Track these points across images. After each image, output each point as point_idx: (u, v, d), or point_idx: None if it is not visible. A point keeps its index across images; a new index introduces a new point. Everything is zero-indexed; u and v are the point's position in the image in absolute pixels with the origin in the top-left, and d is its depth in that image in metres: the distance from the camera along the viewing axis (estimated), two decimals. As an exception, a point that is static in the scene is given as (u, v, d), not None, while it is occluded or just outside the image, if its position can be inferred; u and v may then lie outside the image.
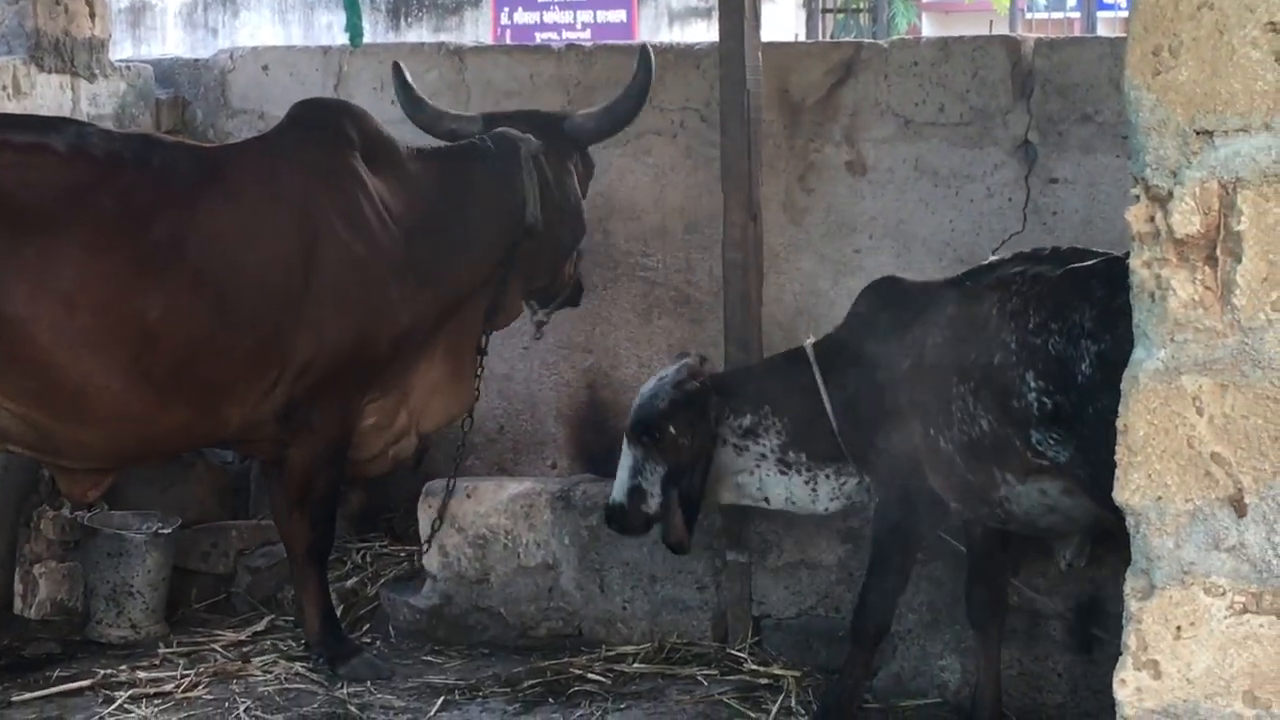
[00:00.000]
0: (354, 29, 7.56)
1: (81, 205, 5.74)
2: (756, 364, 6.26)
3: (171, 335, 5.79)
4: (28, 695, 6.18)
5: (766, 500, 5.92)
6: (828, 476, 5.79)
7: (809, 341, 5.82)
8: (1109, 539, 5.25)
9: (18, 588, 7.03)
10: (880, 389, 5.51)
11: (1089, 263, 5.04)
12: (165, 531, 6.90)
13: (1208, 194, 2.87)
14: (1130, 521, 2.94)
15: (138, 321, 5.75)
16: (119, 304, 5.73)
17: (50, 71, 7.15)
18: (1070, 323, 4.91)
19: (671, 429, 5.79)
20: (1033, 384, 5.01)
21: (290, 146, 6.22)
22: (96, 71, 7.38)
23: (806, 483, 5.83)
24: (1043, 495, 5.16)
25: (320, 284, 6.05)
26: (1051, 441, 4.99)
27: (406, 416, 6.55)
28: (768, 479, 5.86)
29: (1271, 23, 2.82)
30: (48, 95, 7.10)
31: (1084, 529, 5.36)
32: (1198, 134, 2.87)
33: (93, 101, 7.32)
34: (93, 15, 7.36)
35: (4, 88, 6.91)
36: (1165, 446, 2.90)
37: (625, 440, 5.92)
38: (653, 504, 5.86)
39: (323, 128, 6.30)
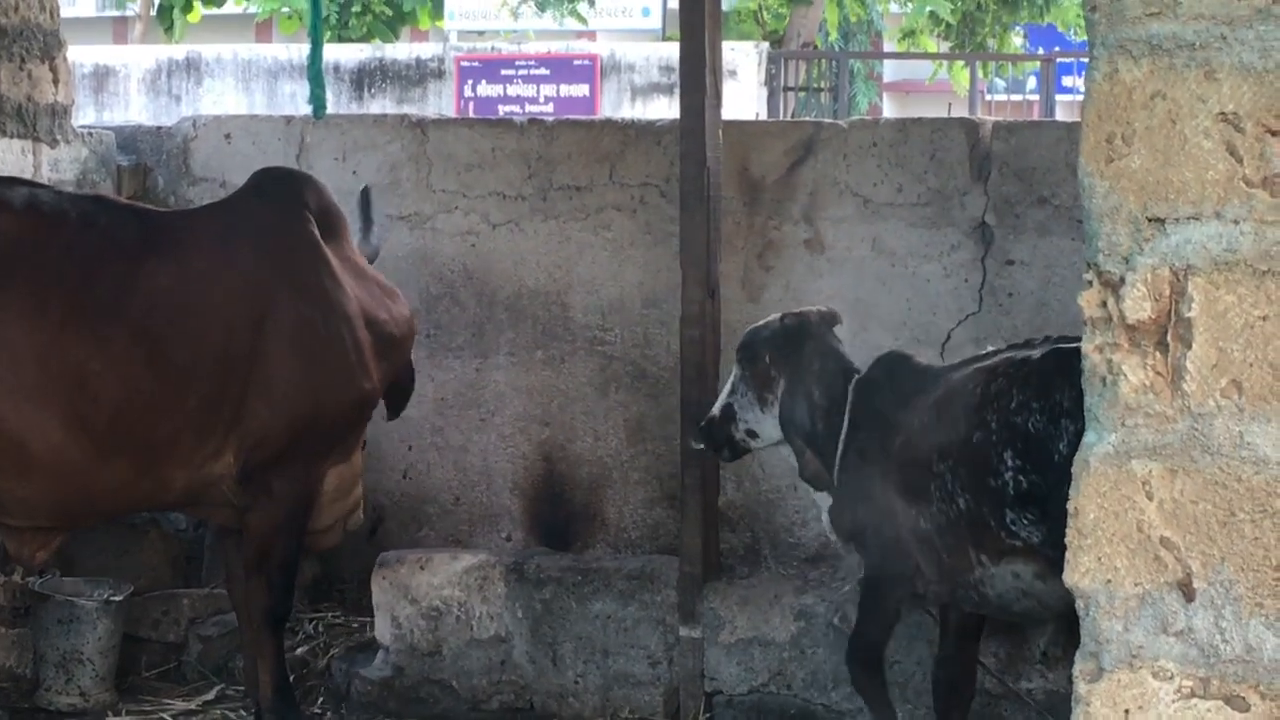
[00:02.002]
0: (317, 100, 7.58)
1: (26, 258, 5.76)
2: (840, 353, 5.98)
3: (111, 389, 5.79)
4: (-26, 762, 6.15)
5: (797, 469, 5.89)
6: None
7: (856, 377, 5.74)
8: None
9: (-33, 653, 6.99)
10: (876, 463, 5.52)
11: (1074, 344, 5.07)
12: (117, 599, 6.85)
13: (1159, 280, 2.91)
14: (1080, 604, 2.96)
15: (77, 373, 5.75)
16: (60, 355, 5.73)
17: (12, 136, 7.15)
18: (1051, 401, 4.94)
19: (767, 358, 5.79)
20: (1010, 462, 5.03)
21: (246, 212, 6.24)
22: (59, 137, 7.38)
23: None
24: (1016, 579, 5.15)
25: (272, 349, 6.04)
26: (1025, 521, 5.01)
27: (361, 487, 6.57)
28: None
29: (1223, 113, 2.87)
30: (9, 160, 7.10)
31: (1059, 615, 5.36)
32: (1150, 221, 2.91)
33: (54, 167, 7.32)
34: (56, 81, 7.36)
35: (-35, 151, 6.91)
36: (1115, 530, 2.93)
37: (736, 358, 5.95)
38: (740, 429, 5.87)
39: (282, 196, 6.32)
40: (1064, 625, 5.49)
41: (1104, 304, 2.97)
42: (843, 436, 5.65)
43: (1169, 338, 2.91)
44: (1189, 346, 2.89)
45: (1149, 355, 2.92)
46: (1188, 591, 2.89)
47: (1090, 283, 2.98)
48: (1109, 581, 2.93)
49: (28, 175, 7.08)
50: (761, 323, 5.93)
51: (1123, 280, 2.93)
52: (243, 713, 6.61)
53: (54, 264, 5.80)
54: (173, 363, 5.89)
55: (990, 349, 5.54)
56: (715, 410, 5.96)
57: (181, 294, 5.95)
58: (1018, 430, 5.03)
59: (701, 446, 6.07)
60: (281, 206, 6.27)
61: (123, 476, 5.91)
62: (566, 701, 6.63)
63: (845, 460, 5.62)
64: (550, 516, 7.54)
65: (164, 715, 6.64)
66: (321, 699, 6.84)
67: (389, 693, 6.74)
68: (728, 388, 5.93)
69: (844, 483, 5.61)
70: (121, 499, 6.08)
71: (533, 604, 6.66)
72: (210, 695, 6.84)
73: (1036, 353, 5.17)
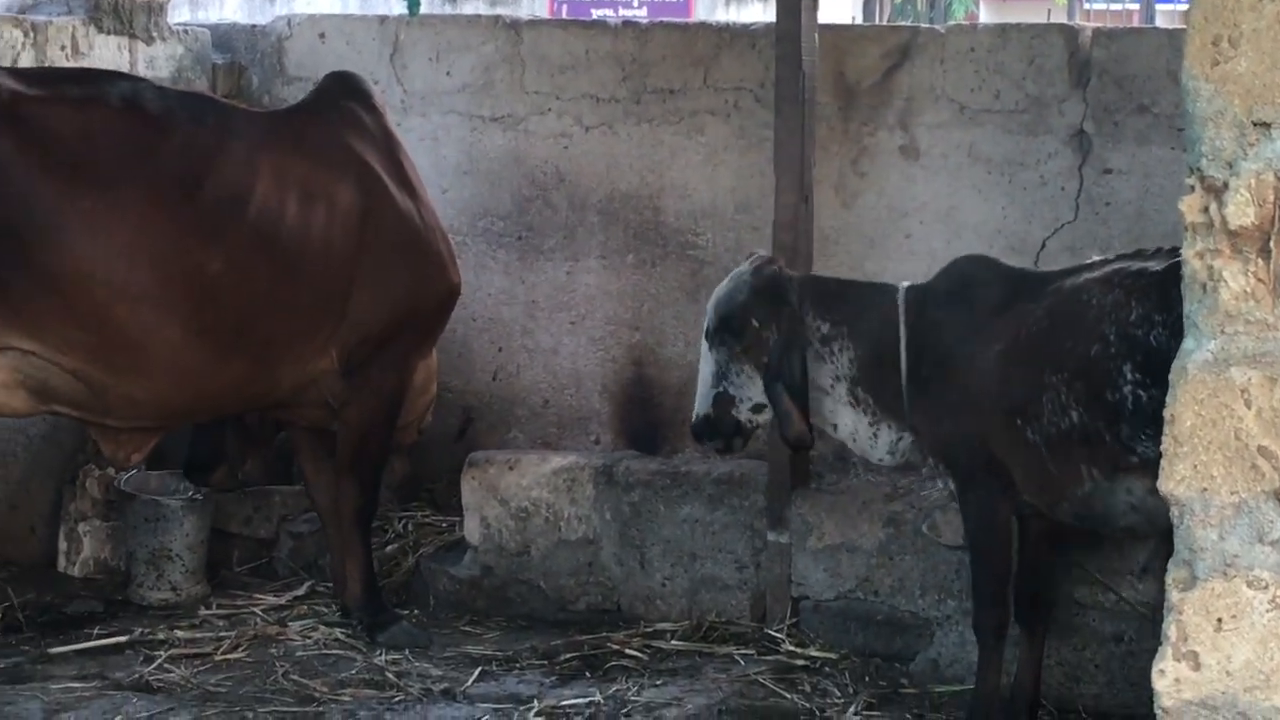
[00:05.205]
0: (412, 1, 7.62)
1: (141, 159, 5.78)
2: (843, 279, 5.97)
3: (232, 289, 5.85)
4: (68, 649, 6.23)
5: (835, 427, 5.65)
6: (889, 428, 5.57)
7: (903, 285, 5.58)
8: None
9: (62, 545, 7.08)
10: (963, 367, 5.36)
11: None
12: (200, 496, 6.92)
13: (1263, 186, 2.86)
14: (1174, 512, 2.94)
15: (198, 275, 5.79)
16: (180, 257, 5.77)
17: (108, 33, 7.18)
18: (1175, 316, 4.79)
19: (755, 321, 5.52)
20: (1130, 376, 4.96)
21: (339, 111, 6.34)
22: (154, 34, 7.40)
23: (870, 425, 5.59)
24: (1128, 494, 5.06)
25: (377, 241, 6.16)
26: (1143, 436, 4.90)
27: (435, 385, 6.71)
28: (839, 406, 5.60)
29: (1333, 15, 2.81)
30: (105, 57, 7.13)
31: (1163, 532, 5.27)
32: (1255, 125, 2.87)
33: (150, 64, 7.35)
34: (152, -22, 7.39)
35: (63, 48, 6.94)
36: (1212, 438, 2.90)
37: (705, 345, 5.64)
38: (743, 410, 5.59)
39: (362, 96, 6.45)
40: (1166, 540, 5.41)
41: (1206, 210, 2.93)
42: (904, 351, 5.46)
43: (1271, 244, 2.87)
44: (1292, 253, 2.85)
45: (1251, 262, 2.89)
46: (1285, 501, 2.87)
47: (1192, 188, 2.94)
48: (1204, 490, 2.91)
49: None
50: (722, 294, 5.61)
51: (1226, 185, 2.89)
52: (332, 609, 6.67)
53: (169, 165, 5.83)
54: (287, 260, 5.96)
55: (1096, 258, 5.41)
56: (705, 409, 5.63)
57: (293, 191, 6.00)
58: (1138, 343, 4.93)
59: (712, 446, 5.75)
60: (366, 105, 6.41)
61: (238, 376, 5.98)
62: (653, 604, 6.66)
63: (918, 375, 5.44)
64: (639, 420, 7.55)
65: (255, 610, 6.71)
66: (409, 597, 6.89)
67: (476, 592, 6.79)
68: (709, 378, 5.62)
69: (923, 398, 5.45)
70: (231, 399, 6.14)
71: (621, 507, 6.68)
72: (300, 591, 6.91)
73: (1155, 264, 5.03)
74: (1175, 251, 5.00)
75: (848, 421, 5.63)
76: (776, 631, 6.43)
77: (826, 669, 6.19)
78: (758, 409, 5.61)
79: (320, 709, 5.78)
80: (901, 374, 5.48)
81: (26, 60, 6.72)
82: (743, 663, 6.25)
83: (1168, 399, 2.94)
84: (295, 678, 6.04)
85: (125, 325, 5.72)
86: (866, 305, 5.62)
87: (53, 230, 5.60)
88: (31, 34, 6.80)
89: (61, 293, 5.62)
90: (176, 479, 7.00)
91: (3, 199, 5.57)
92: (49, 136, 5.67)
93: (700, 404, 5.66)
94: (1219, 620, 2.88)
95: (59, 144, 5.67)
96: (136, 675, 6.02)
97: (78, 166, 5.67)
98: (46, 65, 6.77)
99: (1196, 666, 2.89)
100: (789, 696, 5.95)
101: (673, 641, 6.43)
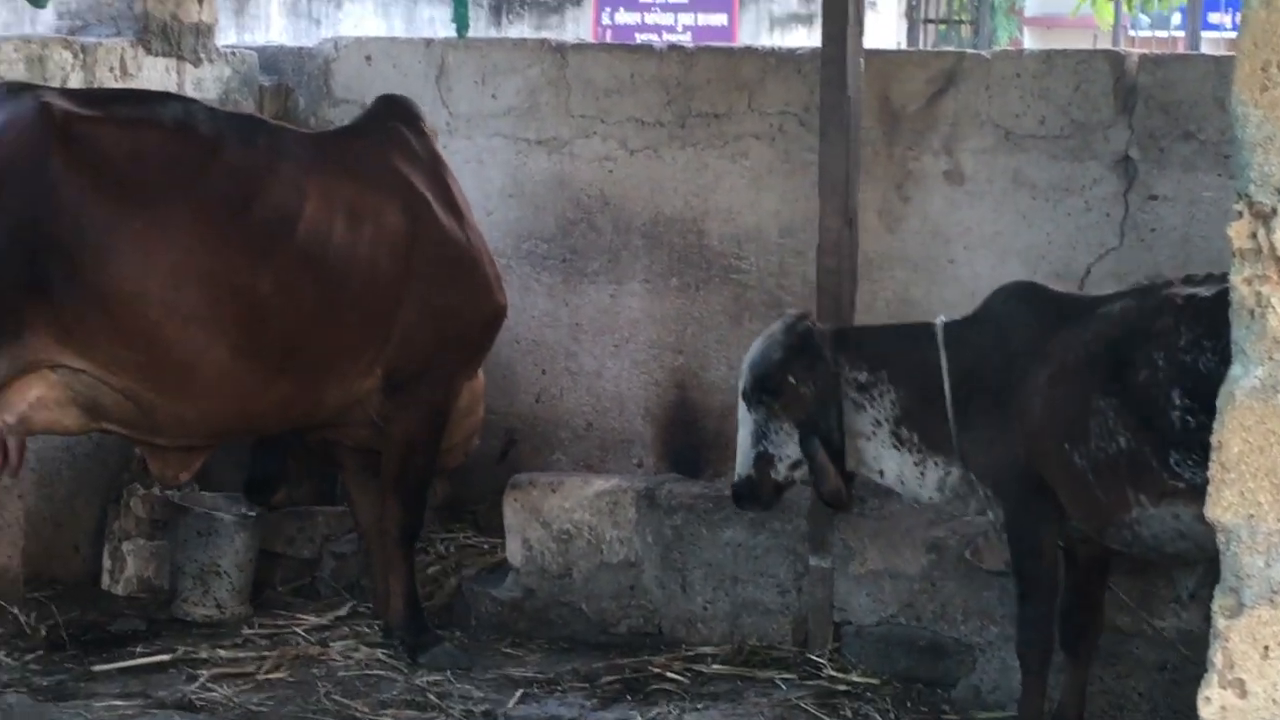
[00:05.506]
0: (461, 19, 7.67)
1: (191, 180, 5.82)
2: (875, 326, 6.07)
3: (279, 310, 5.88)
4: (111, 667, 6.25)
5: (881, 473, 5.68)
6: (935, 465, 5.58)
7: (940, 320, 5.63)
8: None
9: (106, 564, 7.11)
10: (1011, 393, 5.37)
11: None
12: (254, 514, 6.95)
13: (1312, 212, 2.85)
14: (1221, 539, 2.93)
15: (247, 296, 5.83)
16: (228, 278, 5.81)
17: (157, 55, 7.23)
18: (1224, 341, 4.75)
19: (791, 379, 5.56)
20: (1178, 402, 4.94)
21: (387, 133, 6.38)
22: (202, 56, 7.45)
23: (916, 465, 5.60)
24: (1175, 520, 5.03)
25: (422, 263, 6.19)
26: (1190, 462, 4.88)
27: (482, 407, 6.73)
28: (883, 450, 5.62)
29: (1384, 42, 2.80)
30: (154, 78, 7.18)
31: (1212, 558, 5.23)
32: (1304, 151, 2.86)
33: (197, 86, 7.39)
34: (200, 1, 7.43)
35: (111, 70, 6.98)
36: (1259, 465, 2.89)
37: (742, 407, 5.67)
38: (782, 469, 5.64)
39: (411, 119, 6.50)
40: (1214, 567, 5.38)
41: (1254, 235, 2.92)
42: (947, 382, 5.47)
43: (1320, 271, 2.86)
44: (1341, 280, 2.84)
45: (1299, 288, 2.88)
46: (1332, 529, 2.85)
47: (1240, 214, 2.93)
48: (1251, 516, 2.90)
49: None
50: (757, 354, 5.67)
51: (1274, 211, 2.89)
52: (374, 629, 6.68)
53: (219, 185, 5.87)
54: (333, 281, 6.00)
55: (1144, 283, 5.41)
56: (747, 470, 5.68)
57: (340, 212, 6.04)
58: (1187, 368, 4.92)
59: (750, 510, 5.87)
60: (414, 128, 6.46)
61: (284, 396, 6.02)
62: (695, 628, 6.65)
63: (964, 405, 5.45)
64: (682, 443, 7.55)
65: (297, 629, 6.72)
66: (451, 618, 6.89)
67: (518, 614, 6.80)
68: (748, 439, 5.66)
69: (971, 427, 5.46)
70: (277, 418, 6.18)
71: (663, 530, 6.68)
72: (343, 611, 6.92)
73: (1205, 290, 5.01)
74: (1225, 277, 4.98)
75: (893, 465, 5.65)
76: (818, 656, 6.42)
77: (868, 694, 6.17)
78: (795, 466, 5.67)
79: (362, 730, 5.81)
80: (947, 406, 5.50)
81: (76, 81, 6.77)
82: (784, 687, 6.24)
83: (1215, 425, 2.94)
84: (337, 698, 6.05)
85: (174, 345, 5.75)
86: (903, 346, 5.67)
87: (104, 250, 5.64)
88: (81, 55, 6.85)
89: (111, 312, 5.66)
90: (227, 500, 7.03)
91: (55, 218, 5.62)
92: (101, 156, 5.71)
93: (741, 465, 5.71)
94: (1266, 648, 2.86)
95: (111, 164, 5.72)
96: (179, 694, 6.04)
97: (129, 187, 5.71)
98: (96, 86, 6.82)
99: (1243, 694, 2.87)
100: (830, 722, 5.94)
101: (714, 665, 6.43)
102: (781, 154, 7.35)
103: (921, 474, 5.61)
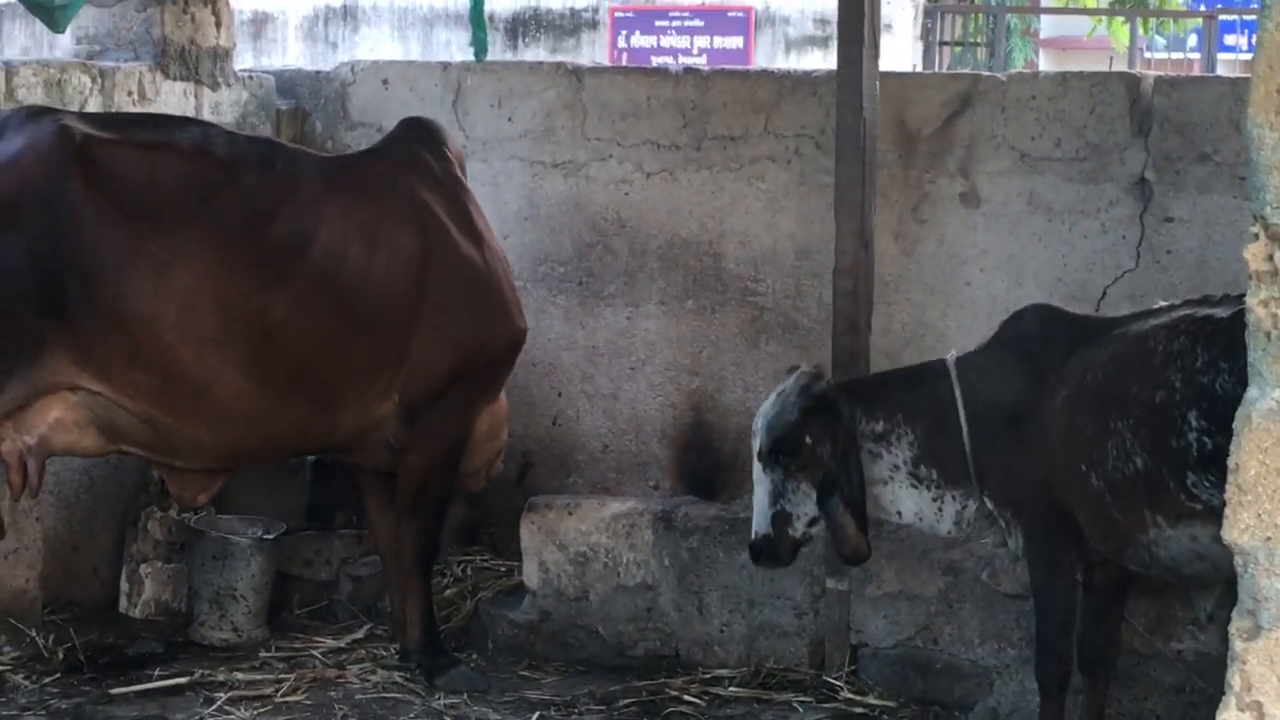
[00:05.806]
0: (479, 43, 7.69)
1: (206, 204, 5.84)
2: (887, 371, 6.15)
3: (295, 334, 5.89)
4: (129, 690, 6.26)
5: (899, 514, 5.71)
6: (953, 499, 5.61)
7: (951, 355, 5.68)
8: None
9: (124, 586, 7.12)
10: (1029, 415, 5.39)
11: None
12: (270, 537, 6.96)
13: (1328, 234, 2.86)
14: (1238, 561, 2.93)
15: (262, 319, 5.84)
16: (244, 302, 5.83)
17: (175, 79, 7.26)
18: (1241, 363, 4.75)
19: (809, 439, 5.59)
20: (1195, 423, 4.94)
21: (407, 157, 6.39)
22: (220, 80, 7.48)
23: (934, 500, 5.63)
24: (1193, 541, 5.02)
25: (439, 286, 6.19)
26: (1207, 484, 4.87)
27: (505, 432, 6.72)
28: (901, 491, 5.65)
29: (1399, 64, 2.81)
30: (172, 102, 7.20)
31: (1229, 580, 5.23)
32: (1320, 173, 2.86)
33: (215, 110, 7.42)
34: (218, 25, 7.46)
35: (130, 94, 7.01)
36: (1276, 487, 2.89)
37: (758, 467, 5.70)
38: (799, 526, 5.65)
39: (433, 142, 6.50)
40: (1231, 589, 5.37)
41: (1270, 257, 2.92)
42: (962, 413, 5.50)
43: (1336, 293, 2.86)
44: (1357, 302, 2.84)
45: (1316, 310, 2.88)
46: (1350, 551, 2.85)
47: (1256, 236, 2.94)
48: (1269, 539, 2.90)
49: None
50: (772, 415, 5.68)
51: (1290, 233, 2.88)
52: (391, 652, 6.68)
53: (234, 209, 5.89)
54: (349, 306, 6.01)
55: (1161, 304, 5.41)
56: (765, 529, 5.67)
57: (355, 236, 6.06)
58: (1204, 390, 4.92)
59: (769, 566, 5.88)
60: (435, 152, 6.45)
61: (299, 420, 6.03)
62: (711, 650, 6.65)
63: (981, 433, 5.47)
64: (698, 466, 7.55)
65: (314, 652, 6.73)
66: (468, 641, 6.90)
67: (535, 636, 6.80)
68: (765, 497, 5.66)
69: (988, 453, 5.48)
70: (293, 442, 6.20)
71: (680, 552, 6.68)
72: (360, 634, 6.93)
73: (1221, 311, 5.02)
74: (1242, 298, 4.97)
75: (910, 505, 5.69)
76: (835, 679, 6.42)
77: (885, 717, 6.18)
78: (813, 523, 5.69)
79: (379, 752, 5.81)
80: (964, 439, 5.51)
81: (94, 105, 6.80)
82: (801, 710, 6.24)
83: (1231, 447, 2.94)
84: (354, 720, 6.06)
85: (189, 369, 5.77)
86: (917, 388, 5.70)
87: (121, 272, 5.66)
88: (99, 79, 6.88)
89: (128, 335, 5.68)
90: (244, 522, 7.05)
91: (73, 241, 5.64)
92: (119, 180, 5.74)
93: (759, 523, 5.70)
94: (1283, 670, 2.86)
95: (129, 187, 5.74)
96: (197, 717, 6.05)
97: (147, 210, 5.73)
98: (115, 110, 6.84)
99: (1260, 717, 2.87)
100: (848, 744, 5.94)
101: (731, 688, 6.43)
102: (797, 176, 7.36)
103: (940, 509, 5.64)
